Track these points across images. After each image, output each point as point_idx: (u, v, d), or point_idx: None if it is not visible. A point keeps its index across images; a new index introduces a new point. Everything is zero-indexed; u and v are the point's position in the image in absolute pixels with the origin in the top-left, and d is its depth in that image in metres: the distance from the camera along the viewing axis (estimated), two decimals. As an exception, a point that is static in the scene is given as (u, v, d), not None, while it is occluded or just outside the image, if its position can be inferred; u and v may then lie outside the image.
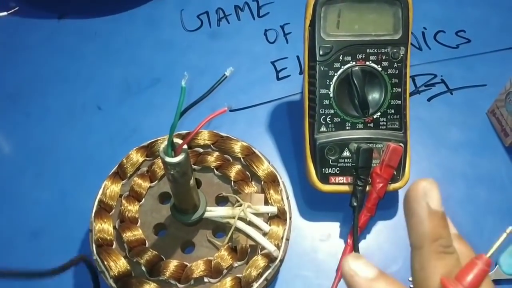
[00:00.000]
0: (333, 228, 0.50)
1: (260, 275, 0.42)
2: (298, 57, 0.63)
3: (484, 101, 0.58)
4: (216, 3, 0.69)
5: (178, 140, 0.35)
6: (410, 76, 0.60)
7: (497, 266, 0.47)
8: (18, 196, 0.53)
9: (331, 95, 0.48)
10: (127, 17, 0.67)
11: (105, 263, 0.42)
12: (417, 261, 0.26)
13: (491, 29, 0.66)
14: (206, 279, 0.43)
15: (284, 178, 0.53)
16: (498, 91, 0.55)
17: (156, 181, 0.48)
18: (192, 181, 0.39)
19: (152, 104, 0.59)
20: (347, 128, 0.48)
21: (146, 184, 0.47)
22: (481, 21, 0.66)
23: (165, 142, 0.35)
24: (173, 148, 0.35)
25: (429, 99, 0.59)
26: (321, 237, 0.50)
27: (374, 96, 0.48)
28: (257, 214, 0.44)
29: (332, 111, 0.48)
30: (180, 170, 0.36)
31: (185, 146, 0.35)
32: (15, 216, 0.51)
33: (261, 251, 0.43)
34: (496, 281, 0.47)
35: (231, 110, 0.58)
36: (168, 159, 0.35)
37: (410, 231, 0.27)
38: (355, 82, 0.47)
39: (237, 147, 0.49)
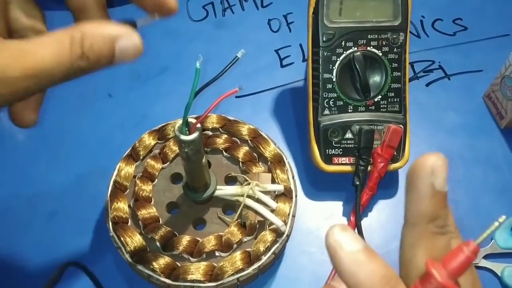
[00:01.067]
0: (336, 207, 0.53)
1: (268, 249, 0.45)
2: (300, 45, 0.65)
3: (480, 86, 0.60)
4: (220, -6, 0.71)
5: (192, 120, 0.37)
6: (410, 63, 0.63)
7: (492, 241, 0.50)
8: (34, 179, 0.55)
9: (334, 79, 0.50)
10: (136, 8, 0.69)
11: (122, 239, 0.45)
12: (409, 237, 0.25)
13: (487, 16, 0.68)
14: (217, 253, 0.45)
15: (289, 160, 0.55)
16: (494, 77, 0.57)
17: (168, 163, 0.50)
18: (204, 160, 0.42)
19: (160, 91, 0.61)
20: (350, 111, 0.50)
21: (158, 165, 0.49)
22: (477, 9, 0.69)
23: (180, 121, 0.37)
24: (187, 127, 0.37)
25: (427, 85, 0.62)
26: (325, 216, 0.52)
27: (375, 80, 0.50)
28: (265, 192, 0.47)
29: (335, 95, 0.50)
30: (194, 148, 0.38)
31: (198, 125, 0.37)
32: (32, 198, 0.53)
33: (269, 227, 0.46)
34: (491, 255, 0.49)
35: (237, 97, 0.60)
36: (183, 137, 0.37)
37: (408, 206, 0.25)
38: (357, 66, 0.49)
39: (244, 130, 0.51)
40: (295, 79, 0.62)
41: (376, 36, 0.50)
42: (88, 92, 0.62)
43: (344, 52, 0.50)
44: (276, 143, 0.52)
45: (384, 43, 0.50)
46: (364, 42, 0.50)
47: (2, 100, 0.26)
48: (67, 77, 0.28)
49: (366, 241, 0.49)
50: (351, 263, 0.23)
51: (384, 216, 0.52)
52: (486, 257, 0.49)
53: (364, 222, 0.51)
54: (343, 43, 0.49)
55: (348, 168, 0.51)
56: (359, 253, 0.24)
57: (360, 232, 0.50)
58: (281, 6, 0.69)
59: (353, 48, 0.50)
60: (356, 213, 0.50)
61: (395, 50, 0.50)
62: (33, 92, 0.27)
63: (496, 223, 0.25)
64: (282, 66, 0.64)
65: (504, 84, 0.55)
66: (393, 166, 0.51)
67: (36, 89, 0.27)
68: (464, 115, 0.59)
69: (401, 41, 0.50)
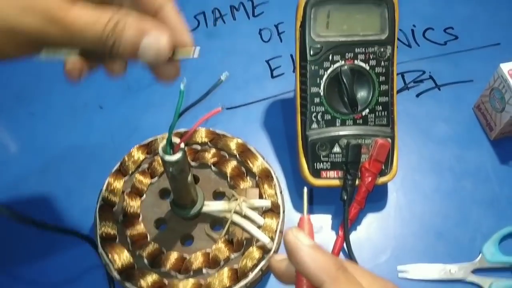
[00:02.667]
0: (325, 220, 0.53)
1: (255, 265, 0.45)
2: (291, 55, 0.65)
3: (470, 96, 0.60)
4: (212, 3, 0.71)
5: (176, 139, 0.38)
6: (400, 73, 0.63)
7: (480, 254, 0.50)
8: (24, 192, 0.55)
9: (322, 93, 0.50)
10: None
11: (110, 256, 0.45)
12: None
13: (478, 25, 0.68)
14: (204, 270, 0.45)
15: (278, 172, 0.55)
16: (484, 87, 0.57)
17: (156, 178, 0.50)
18: (189, 178, 0.42)
19: (151, 102, 0.62)
20: (337, 124, 0.50)
21: (147, 180, 0.50)
22: (468, 18, 0.69)
23: (164, 141, 0.37)
24: (171, 147, 0.37)
25: (417, 95, 0.62)
26: (314, 229, 0.52)
27: (362, 93, 0.50)
28: (252, 208, 0.47)
29: (323, 109, 0.50)
30: (178, 167, 0.38)
31: (182, 145, 0.38)
32: (22, 211, 0.53)
33: (256, 243, 0.46)
34: (479, 270, 0.49)
35: (227, 108, 0.60)
36: (167, 158, 0.37)
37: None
38: (344, 80, 0.49)
39: (232, 144, 0.51)
40: (286, 90, 0.62)
41: (363, 49, 0.50)
42: (79, 104, 0.62)
43: (332, 66, 0.50)
44: (264, 157, 0.52)
45: (371, 57, 0.50)
46: (352, 55, 0.50)
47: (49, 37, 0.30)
48: (96, 46, 0.31)
49: (355, 254, 0.49)
50: (310, 253, 0.28)
51: (372, 229, 0.52)
52: (474, 271, 0.49)
53: (353, 236, 0.51)
54: (330, 57, 0.49)
55: (336, 182, 0.51)
56: (315, 246, 0.29)
57: (348, 246, 0.50)
58: (272, 16, 0.69)
59: (340, 61, 0.50)
60: (344, 228, 0.50)
61: (382, 63, 0.50)
62: (69, 44, 0.31)
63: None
64: (272, 76, 0.64)
65: (493, 96, 0.55)
66: (381, 180, 0.51)
67: (70, 42, 0.31)
68: (454, 126, 0.59)
69: (389, 54, 0.50)
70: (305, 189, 0.33)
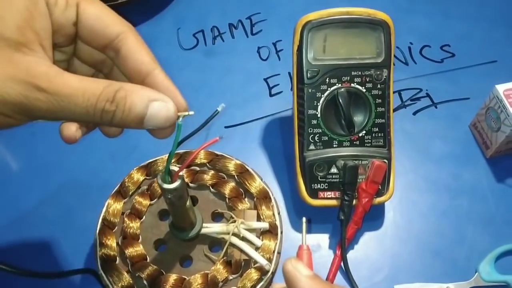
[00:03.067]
0: (323, 239, 0.53)
1: (253, 287, 0.45)
2: (289, 73, 0.66)
3: (467, 114, 0.61)
4: (211, 22, 0.72)
5: (174, 168, 0.38)
6: (397, 91, 0.64)
7: (476, 273, 0.50)
8: (25, 211, 0.56)
9: (319, 115, 0.51)
10: (138, 9, 0.70)
11: (110, 278, 0.46)
12: None
13: (474, 43, 0.68)
14: (203, 292, 0.46)
15: (276, 191, 0.56)
16: (481, 104, 0.57)
17: (155, 199, 0.51)
18: (188, 202, 0.42)
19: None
20: (334, 146, 0.51)
21: (146, 202, 0.50)
22: (465, 35, 0.69)
23: (163, 170, 0.38)
24: (170, 174, 0.38)
25: (414, 113, 0.62)
26: (312, 248, 0.53)
27: (359, 115, 0.51)
28: (250, 230, 0.48)
29: (320, 130, 0.51)
30: (176, 194, 0.39)
31: (181, 173, 0.38)
32: (24, 231, 0.54)
33: (254, 265, 0.47)
34: (475, 288, 0.50)
35: (226, 127, 0.61)
36: (166, 186, 0.38)
37: None
38: (341, 103, 0.50)
39: (231, 165, 0.52)
40: (284, 108, 0.63)
41: (359, 72, 0.50)
42: (80, 123, 0.62)
43: (329, 89, 0.50)
44: (262, 177, 0.53)
45: (367, 80, 0.50)
46: (348, 78, 0.50)
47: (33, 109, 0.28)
48: (89, 117, 0.29)
49: (352, 273, 0.50)
50: (309, 283, 0.30)
51: (369, 248, 0.53)
52: (469, 290, 0.50)
53: (350, 254, 0.52)
54: (327, 80, 0.50)
55: (333, 202, 0.51)
56: (313, 276, 0.31)
57: (346, 265, 0.50)
58: (271, 34, 0.70)
59: (337, 84, 0.50)
60: (341, 247, 0.50)
61: (378, 86, 0.51)
62: (57, 117, 0.29)
63: None
64: (271, 95, 0.64)
65: (489, 115, 0.56)
66: (378, 200, 0.51)
67: (60, 112, 0.29)
68: (451, 144, 0.60)
69: (385, 77, 0.50)
70: (304, 220, 0.34)
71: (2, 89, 0.27)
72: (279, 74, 0.66)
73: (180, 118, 0.34)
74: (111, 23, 0.33)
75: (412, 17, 0.71)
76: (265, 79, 0.66)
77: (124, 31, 0.33)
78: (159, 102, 0.31)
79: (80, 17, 0.32)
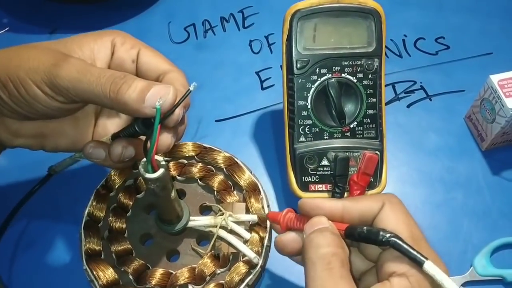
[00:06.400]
0: (314, 233, 0.52)
1: (241, 281, 0.44)
2: (281, 66, 0.64)
3: (462, 106, 0.60)
4: (202, 15, 0.71)
5: (157, 157, 0.37)
6: (391, 84, 0.63)
7: (471, 267, 0.49)
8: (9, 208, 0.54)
9: (309, 106, 0.50)
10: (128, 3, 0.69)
11: (94, 272, 0.45)
12: None
13: (469, 35, 0.67)
14: (190, 286, 0.45)
15: (267, 185, 0.55)
16: (476, 97, 0.56)
17: (142, 193, 0.50)
18: (173, 193, 0.41)
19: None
20: (325, 137, 0.50)
21: (132, 195, 0.49)
22: (460, 27, 0.68)
23: (144, 159, 0.37)
24: (151, 163, 0.37)
25: (408, 106, 0.61)
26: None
27: (350, 106, 0.50)
28: (239, 223, 0.46)
29: (310, 122, 0.50)
30: (160, 184, 0.38)
31: (163, 162, 0.37)
32: (10, 228, 0.53)
33: (242, 258, 0.45)
34: (470, 283, 0.49)
35: (216, 120, 0.60)
36: (147, 176, 0.37)
37: None
38: (332, 93, 0.49)
39: (219, 158, 0.51)
40: (276, 102, 0.62)
41: (350, 62, 0.49)
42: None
43: (319, 79, 0.49)
44: (252, 170, 0.52)
45: (358, 70, 0.49)
46: (339, 68, 0.49)
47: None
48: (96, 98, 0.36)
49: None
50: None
51: (362, 242, 0.52)
52: (464, 284, 0.49)
53: (342, 249, 0.51)
54: (317, 70, 0.49)
55: (325, 195, 0.50)
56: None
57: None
58: (263, 27, 0.69)
59: (327, 74, 0.49)
60: (333, 241, 0.49)
61: (369, 76, 0.49)
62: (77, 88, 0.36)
63: None
64: (262, 88, 0.63)
65: (484, 107, 0.54)
66: (370, 192, 0.50)
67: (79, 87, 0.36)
68: (445, 136, 0.59)
69: (376, 67, 0.49)
70: None
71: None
72: (271, 67, 0.65)
73: (159, 101, 0.34)
74: (161, 62, 0.42)
75: (406, 9, 0.70)
76: (257, 72, 0.65)
77: (171, 70, 0.41)
78: (160, 85, 0.36)
79: (140, 57, 0.41)
